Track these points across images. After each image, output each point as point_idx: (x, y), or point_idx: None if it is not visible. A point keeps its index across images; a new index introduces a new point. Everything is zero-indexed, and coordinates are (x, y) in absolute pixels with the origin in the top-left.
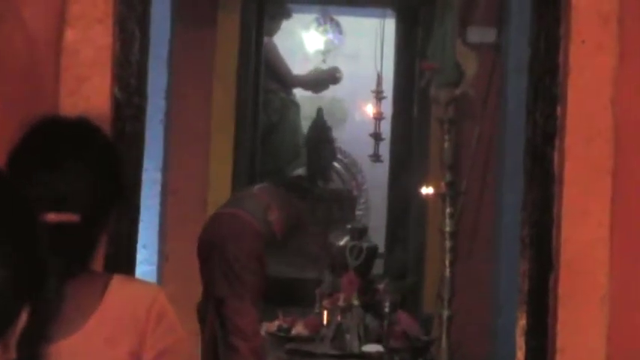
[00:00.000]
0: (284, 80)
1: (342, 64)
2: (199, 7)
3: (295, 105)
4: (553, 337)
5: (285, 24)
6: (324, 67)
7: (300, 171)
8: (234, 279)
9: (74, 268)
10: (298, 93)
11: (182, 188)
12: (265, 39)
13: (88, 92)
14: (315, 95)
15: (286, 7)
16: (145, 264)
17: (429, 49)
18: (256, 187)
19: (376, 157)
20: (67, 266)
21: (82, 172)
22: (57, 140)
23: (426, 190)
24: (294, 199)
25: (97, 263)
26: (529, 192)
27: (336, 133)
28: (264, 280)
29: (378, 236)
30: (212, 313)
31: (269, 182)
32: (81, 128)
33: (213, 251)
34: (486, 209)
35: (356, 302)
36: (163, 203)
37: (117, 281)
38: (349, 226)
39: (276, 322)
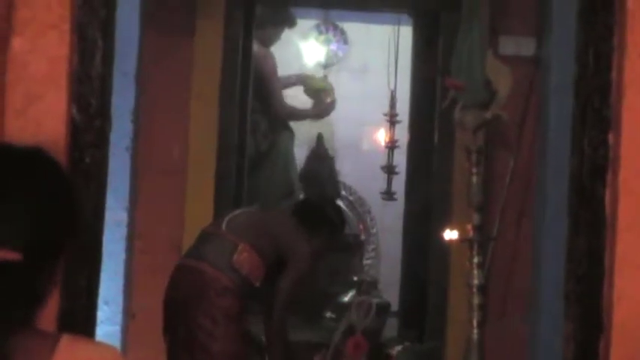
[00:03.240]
0: (269, 109)
1: (348, 80)
2: (174, 13)
3: (288, 130)
4: None
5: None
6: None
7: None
8: (199, 352)
9: (15, 325)
10: None
11: (152, 231)
12: (262, 49)
13: (39, 113)
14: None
15: (290, 13)
16: (108, 323)
17: (453, 63)
18: (227, 219)
19: (389, 195)
20: (8, 321)
21: (27, 207)
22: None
23: (450, 235)
24: (292, 221)
25: (50, 322)
26: (575, 238)
27: (339, 165)
28: (239, 346)
29: (390, 291)
30: None
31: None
32: (31, 158)
33: (175, 317)
34: (522, 259)
35: None
36: (129, 250)
37: (66, 342)
38: (356, 279)
39: None
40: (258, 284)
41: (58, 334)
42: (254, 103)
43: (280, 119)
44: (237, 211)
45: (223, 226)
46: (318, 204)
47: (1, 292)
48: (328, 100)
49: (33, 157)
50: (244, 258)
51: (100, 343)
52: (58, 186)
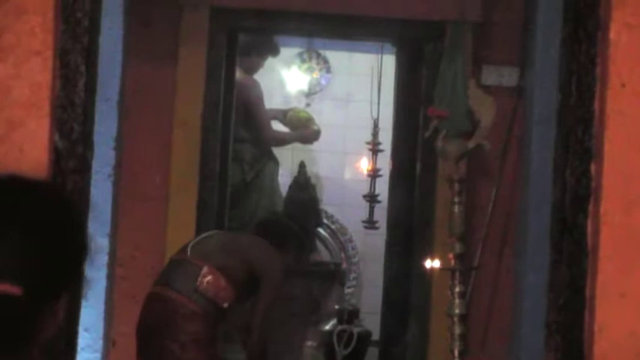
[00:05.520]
0: (257, 136)
1: (331, 108)
2: (157, 40)
3: (274, 160)
4: None
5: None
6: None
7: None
8: None
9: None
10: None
11: (133, 259)
12: (246, 78)
13: (21, 139)
14: (295, 146)
15: (274, 42)
16: (88, 351)
17: (436, 92)
18: (192, 244)
19: (371, 224)
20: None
21: (31, 240)
22: None
23: (431, 264)
24: (262, 240)
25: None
26: (556, 268)
27: (321, 193)
28: None
29: (371, 320)
30: None
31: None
32: (40, 190)
33: (146, 345)
34: (504, 289)
35: None
36: (111, 277)
37: None
38: (337, 307)
39: None
40: (226, 306)
41: None
42: (241, 132)
43: (270, 147)
44: (204, 235)
45: (188, 251)
46: (278, 220)
47: None
48: (315, 127)
49: (41, 190)
50: (208, 281)
51: None
52: (65, 221)
